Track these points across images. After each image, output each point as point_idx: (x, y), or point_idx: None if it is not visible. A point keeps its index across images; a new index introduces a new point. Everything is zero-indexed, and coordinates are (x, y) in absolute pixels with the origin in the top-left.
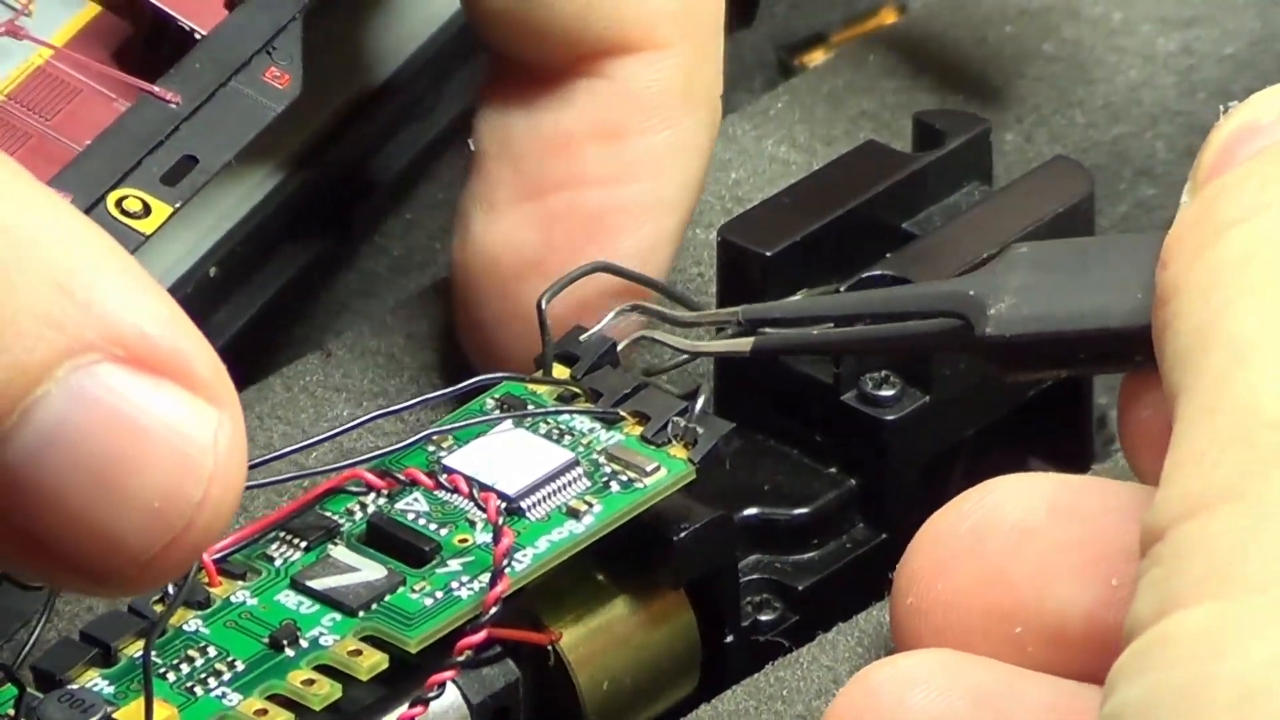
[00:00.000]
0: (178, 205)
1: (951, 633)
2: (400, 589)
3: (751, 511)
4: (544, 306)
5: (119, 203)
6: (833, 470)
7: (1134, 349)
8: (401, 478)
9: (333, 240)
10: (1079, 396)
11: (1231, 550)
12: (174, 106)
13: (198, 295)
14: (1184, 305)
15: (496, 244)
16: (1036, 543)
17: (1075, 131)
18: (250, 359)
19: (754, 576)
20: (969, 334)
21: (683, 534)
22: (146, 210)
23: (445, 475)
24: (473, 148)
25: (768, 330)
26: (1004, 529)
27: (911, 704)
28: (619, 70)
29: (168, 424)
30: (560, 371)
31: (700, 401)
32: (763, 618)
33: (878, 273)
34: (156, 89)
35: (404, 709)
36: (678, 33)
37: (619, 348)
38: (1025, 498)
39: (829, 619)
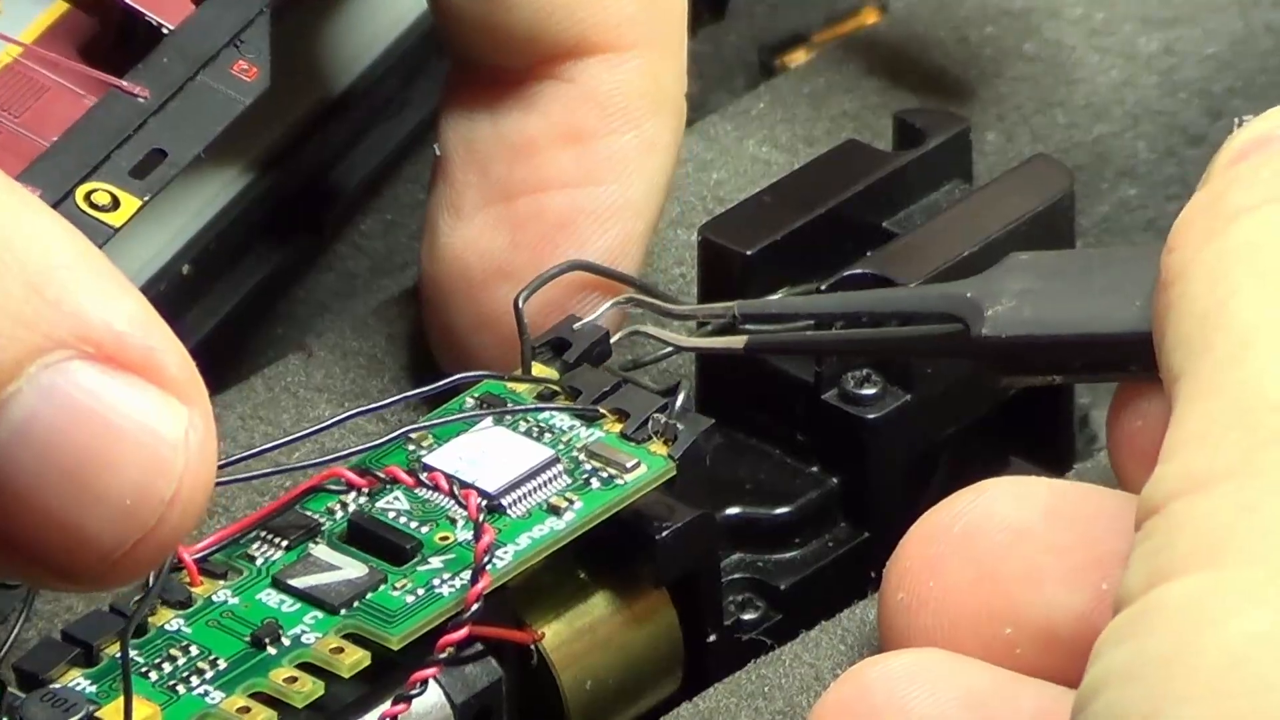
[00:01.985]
0: (146, 198)
1: (941, 631)
2: (382, 587)
3: (734, 510)
4: (521, 305)
5: (88, 196)
6: (814, 469)
7: (1130, 357)
8: (382, 476)
9: (305, 240)
10: (1061, 396)
11: (1226, 525)
12: (142, 100)
13: (171, 293)
14: (1189, 289)
15: (464, 250)
16: (1029, 545)
17: (1057, 131)
18: (231, 359)
19: (736, 575)
20: (966, 337)
21: (665, 533)
22: (115, 203)
23: (425, 473)
24: (438, 153)
25: (762, 329)
26: (997, 529)
27: (902, 703)
28: (581, 72)
29: (139, 421)
30: (542, 370)
31: (680, 398)
32: (745, 617)
33: (858, 271)
34: (125, 83)
35: (386, 706)
36: (639, 34)
37: (613, 339)
38: (1019, 499)
39: (811, 618)
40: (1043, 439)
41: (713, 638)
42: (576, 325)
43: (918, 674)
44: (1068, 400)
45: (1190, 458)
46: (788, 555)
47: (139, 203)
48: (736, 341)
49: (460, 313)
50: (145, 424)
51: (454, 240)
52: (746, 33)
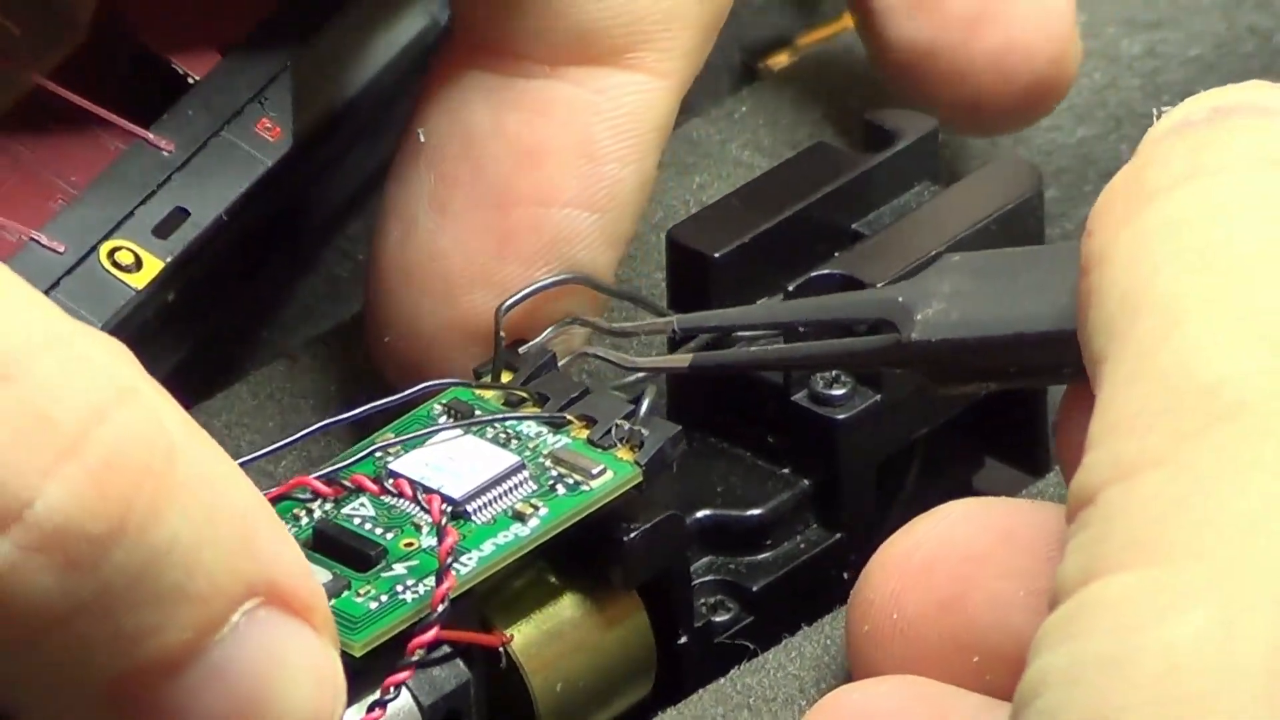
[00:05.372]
0: (169, 259)
1: (909, 662)
2: (345, 593)
3: (705, 513)
4: (502, 315)
5: (111, 254)
6: (785, 471)
7: (1061, 357)
8: (347, 484)
9: (290, 249)
10: (1034, 394)
11: (1161, 516)
12: (167, 154)
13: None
14: (1110, 271)
15: (450, 249)
16: (990, 571)
17: (1039, 134)
18: (216, 365)
19: (708, 578)
20: (900, 345)
21: (633, 534)
22: (138, 264)
23: (391, 480)
24: (422, 139)
25: (708, 349)
26: (956, 557)
27: None
28: (608, 86)
29: (309, 665)
30: (509, 378)
31: (646, 404)
32: (717, 619)
33: (826, 272)
34: (150, 135)
35: (351, 712)
36: (679, 65)
37: (560, 364)
38: (978, 524)
39: (783, 620)
40: (1016, 439)
41: (684, 640)
42: (523, 349)
43: (895, 702)
44: (1041, 399)
45: (1119, 444)
46: (760, 557)
47: (161, 265)
48: (682, 360)
49: (432, 312)
50: (314, 667)
51: (439, 239)
52: (729, 36)
